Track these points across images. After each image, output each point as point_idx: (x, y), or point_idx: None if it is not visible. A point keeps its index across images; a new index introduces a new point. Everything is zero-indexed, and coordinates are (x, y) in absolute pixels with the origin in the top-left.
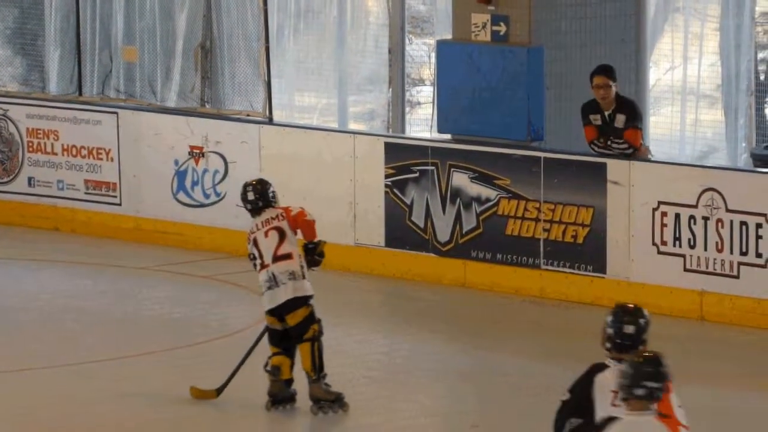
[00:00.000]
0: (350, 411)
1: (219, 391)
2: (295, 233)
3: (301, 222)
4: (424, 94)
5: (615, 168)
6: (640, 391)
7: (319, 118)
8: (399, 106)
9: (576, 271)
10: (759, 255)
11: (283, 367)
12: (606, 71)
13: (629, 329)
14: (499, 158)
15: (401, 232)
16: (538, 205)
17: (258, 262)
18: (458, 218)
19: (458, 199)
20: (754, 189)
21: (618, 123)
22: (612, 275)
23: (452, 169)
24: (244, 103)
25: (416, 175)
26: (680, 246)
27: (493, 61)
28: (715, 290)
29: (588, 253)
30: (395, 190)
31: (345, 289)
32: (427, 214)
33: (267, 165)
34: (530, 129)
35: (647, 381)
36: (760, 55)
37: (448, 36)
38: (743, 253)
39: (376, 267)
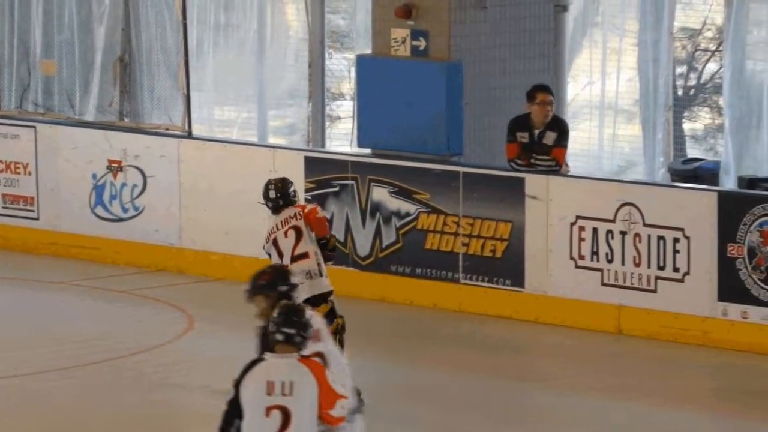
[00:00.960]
0: None
1: None
2: (312, 230)
3: (312, 219)
4: (345, 109)
5: (533, 183)
6: (279, 336)
7: (239, 132)
8: (319, 120)
9: (494, 286)
10: (676, 269)
11: None
12: (548, 88)
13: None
14: (418, 173)
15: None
16: (457, 219)
17: (278, 262)
18: (378, 233)
19: (378, 214)
20: (672, 203)
21: (547, 140)
22: (530, 289)
23: (372, 184)
24: (163, 117)
25: (336, 189)
26: (598, 260)
27: (412, 75)
28: (632, 304)
29: (506, 267)
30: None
31: None
32: (347, 229)
33: (186, 179)
34: (449, 144)
35: (285, 328)
36: (678, 70)
37: (368, 50)
38: (660, 268)
39: None
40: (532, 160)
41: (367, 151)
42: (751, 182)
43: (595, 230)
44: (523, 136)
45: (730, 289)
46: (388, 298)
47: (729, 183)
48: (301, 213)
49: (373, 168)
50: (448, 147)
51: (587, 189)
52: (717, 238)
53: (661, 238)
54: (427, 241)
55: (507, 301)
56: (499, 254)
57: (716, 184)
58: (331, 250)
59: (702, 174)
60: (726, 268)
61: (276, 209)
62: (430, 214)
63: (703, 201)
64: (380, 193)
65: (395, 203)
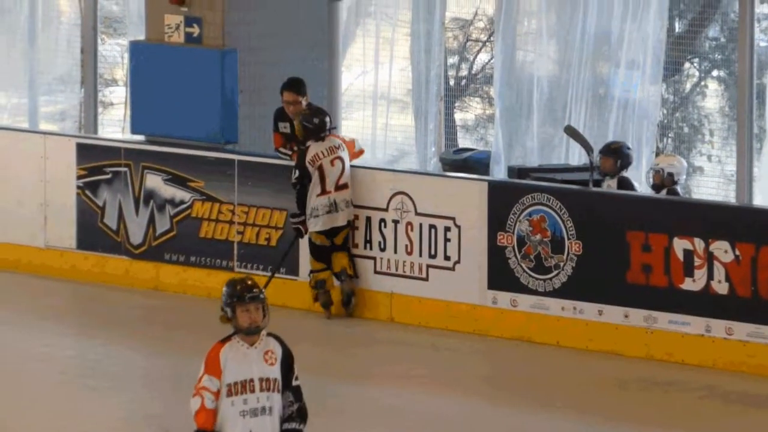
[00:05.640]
0: (39, 415)
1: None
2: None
3: (355, 156)
4: (118, 95)
5: None
6: None
7: (9, 118)
8: (91, 106)
9: (268, 274)
10: (447, 258)
11: (329, 280)
12: (293, 86)
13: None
14: (193, 160)
15: (93, 234)
16: (232, 207)
17: (319, 186)
18: (151, 220)
19: (152, 201)
20: (443, 193)
21: None
22: (304, 278)
23: (146, 171)
24: None
25: (109, 176)
26: (371, 248)
27: (186, 62)
28: (404, 292)
29: (281, 255)
30: (87, 192)
31: (35, 292)
32: (120, 216)
33: None
34: (224, 131)
35: None
36: (450, 61)
37: (142, 36)
38: (432, 256)
39: (67, 269)
40: (295, 149)
41: (141, 137)
42: (520, 172)
43: (368, 219)
44: (284, 127)
45: (500, 277)
46: (162, 287)
47: (499, 173)
48: (344, 146)
49: (146, 155)
50: (222, 135)
51: (361, 178)
52: (487, 227)
53: (432, 227)
54: (201, 230)
55: (282, 289)
56: (274, 242)
57: (486, 173)
58: None
59: (472, 164)
60: (496, 256)
61: (318, 136)
62: (205, 202)
63: (473, 190)
64: (154, 181)
65: (169, 191)
